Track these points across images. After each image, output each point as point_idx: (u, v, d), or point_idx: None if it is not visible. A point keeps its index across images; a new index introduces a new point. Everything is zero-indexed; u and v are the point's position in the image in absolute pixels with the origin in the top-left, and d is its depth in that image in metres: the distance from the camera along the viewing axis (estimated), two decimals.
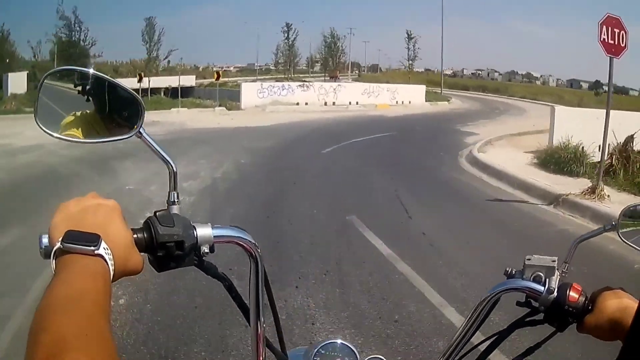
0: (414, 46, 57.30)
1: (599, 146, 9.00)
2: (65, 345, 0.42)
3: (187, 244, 0.65)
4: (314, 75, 59.55)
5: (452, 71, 70.62)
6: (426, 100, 29.69)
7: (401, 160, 10.36)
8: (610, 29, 6.35)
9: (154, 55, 43.30)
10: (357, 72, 70.11)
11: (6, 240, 4.52)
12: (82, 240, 0.54)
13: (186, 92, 28.99)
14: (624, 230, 0.85)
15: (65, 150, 9.09)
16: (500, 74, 75.29)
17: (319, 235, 5.03)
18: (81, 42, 36.51)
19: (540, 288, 0.76)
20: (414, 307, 3.46)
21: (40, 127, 0.70)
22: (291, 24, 57.66)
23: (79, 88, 0.72)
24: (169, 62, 45.12)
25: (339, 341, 0.92)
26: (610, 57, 6.41)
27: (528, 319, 0.80)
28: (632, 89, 58.42)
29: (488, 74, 76.35)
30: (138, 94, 0.75)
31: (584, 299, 0.75)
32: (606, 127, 6.76)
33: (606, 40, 6.36)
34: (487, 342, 0.84)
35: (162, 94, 28.18)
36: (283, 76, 52.54)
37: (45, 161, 8.68)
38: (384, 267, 4.24)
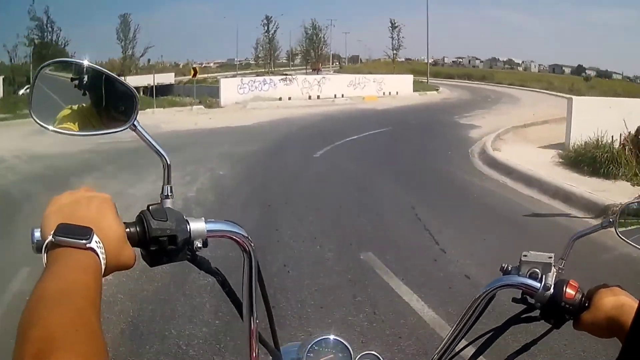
0: (398, 35, 55.64)
1: (612, 136, 8.05)
2: (54, 342, 0.41)
3: (180, 239, 0.64)
4: (295, 68, 58.16)
5: (433, 60, 69.79)
6: (414, 91, 28.43)
7: (407, 163, 9.02)
8: None
9: (129, 53, 41.71)
10: (337, 63, 68.97)
11: None
12: (74, 233, 0.53)
13: (165, 90, 28.92)
14: (622, 227, 0.84)
15: (26, 165, 8.21)
16: (482, 61, 74.69)
17: (327, 290, 3.72)
18: (54, 42, 34.64)
19: (537, 284, 0.75)
20: None
21: (36, 121, 0.69)
22: (271, 17, 56.09)
23: (76, 82, 0.70)
24: (149, 60, 44.20)
25: (331, 337, 0.87)
26: None
27: (524, 316, 0.79)
28: (615, 73, 58.43)
29: (469, 62, 75.80)
30: None
31: (580, 295, 0.73)
32: None
33: None
34: (483, 339, 0.82)
35: (142, 92, 26.83)
36: (264, 70, 51.08)
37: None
38: (429, 341, 2.95)
